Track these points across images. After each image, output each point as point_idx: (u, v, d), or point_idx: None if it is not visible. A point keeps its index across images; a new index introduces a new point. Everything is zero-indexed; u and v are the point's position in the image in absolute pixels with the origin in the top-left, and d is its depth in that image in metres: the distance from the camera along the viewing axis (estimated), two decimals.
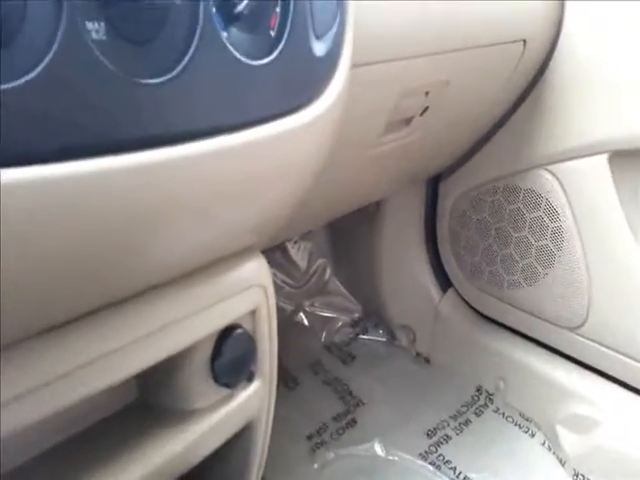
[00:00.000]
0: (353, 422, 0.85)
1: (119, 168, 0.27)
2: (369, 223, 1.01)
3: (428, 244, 0.98)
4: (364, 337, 1.04)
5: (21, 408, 0.32)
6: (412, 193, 0.96)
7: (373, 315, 1.07)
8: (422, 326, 1.00)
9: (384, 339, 1.04)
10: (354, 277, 1.10)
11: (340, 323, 1.06)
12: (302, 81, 0.36)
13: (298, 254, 1.10)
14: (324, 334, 1.04)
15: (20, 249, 0.25)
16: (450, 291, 0.98)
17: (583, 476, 0.78)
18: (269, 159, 0.35)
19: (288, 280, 1.08)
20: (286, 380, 0.92)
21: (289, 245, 1.09)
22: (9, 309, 0.28)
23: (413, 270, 1.00)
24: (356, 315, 1.08)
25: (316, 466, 0.77)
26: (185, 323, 0.39)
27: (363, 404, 0.89)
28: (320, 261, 1.11)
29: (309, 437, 0.82)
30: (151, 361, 0.37)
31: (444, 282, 0.98)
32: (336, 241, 1.11)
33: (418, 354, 1.01)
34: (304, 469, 0.76)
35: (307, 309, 1.07)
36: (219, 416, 0.43)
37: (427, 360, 1.00)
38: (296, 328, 1.03)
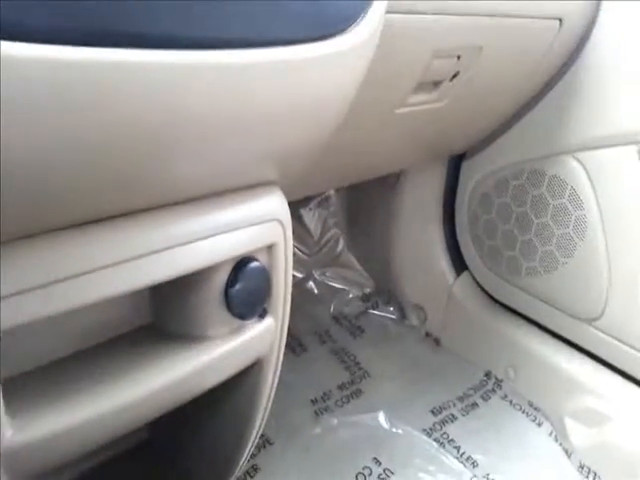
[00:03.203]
0: (358, 392, 0.84)
1: (143, 62, 0.27)
2: (387, 198, 1.00)
3: (445, 225, 0.97)
4: (374, 312, 1.03)
5: (36, 300, 0.32)
6: (433, 171, 0.95)
7: (385, 291, 1.06)
8: (434, 307, 0.99)
9: (394, 316, 1.03)
10: (368, 251, 1.09)
11: (350, 295, 1.05)
12: (337, 9, 0.36)
13: (312, 222, 1.09)
14: (333, 304, 1.03)
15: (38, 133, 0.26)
16: (465, 274, 0.97)
17: (589, 469, 0.76)
18: (295, 83, 0.36)
19: (300, 246, 1.08)
20: (293, 345, 0.91)
21: (303, 212, 1.08)
22: (22, 198, 0.28)
23: (428, 250, 0.99)
24: (367, 290, 1.07)
25: (319, 430, 0.76)
26: (201, 244, 0.39)
27: (369, 376, 0.88)
28: (334, 231, 1.10)
29: (313, 401, 0.81)
30: (165, 276, 0.37)
31: (459, 264, 0.97)
32: (352, 213, 1.11)
33: (428, 334, 1.00)
34: (307, 433, 0.75)
35: (317, 278, 1.06)
36: (229, 346, 0.43)
37: (437, 341, 0.98)
38: (305, 296, 1.03)
